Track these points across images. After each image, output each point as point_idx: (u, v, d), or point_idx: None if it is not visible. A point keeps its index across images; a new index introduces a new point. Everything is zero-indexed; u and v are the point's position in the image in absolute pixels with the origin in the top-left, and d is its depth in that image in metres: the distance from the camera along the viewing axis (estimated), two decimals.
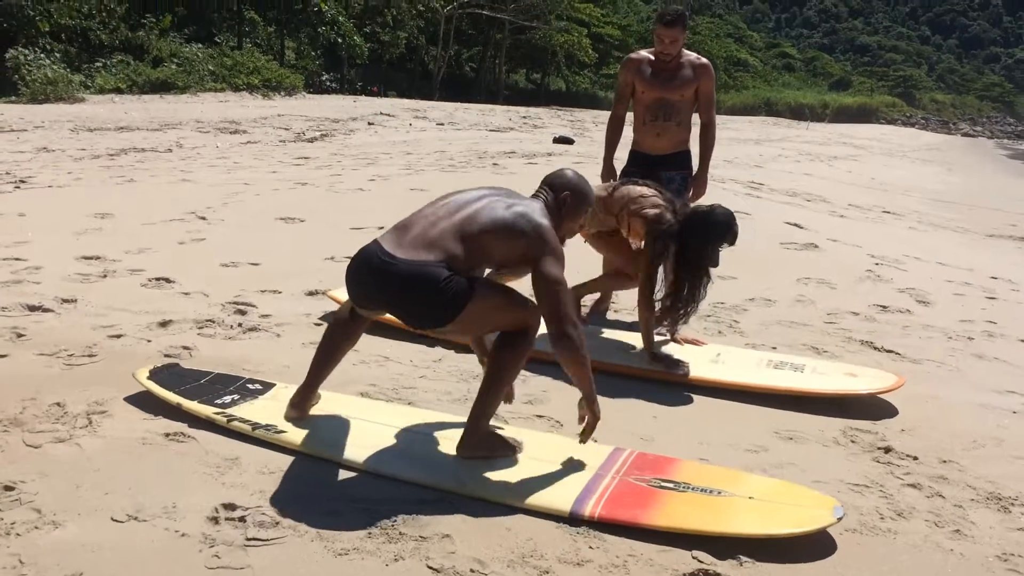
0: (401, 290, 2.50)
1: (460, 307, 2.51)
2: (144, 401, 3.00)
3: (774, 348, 4.08)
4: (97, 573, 2.07)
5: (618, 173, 4.55)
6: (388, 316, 3.95)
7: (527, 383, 3.52)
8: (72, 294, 4.28)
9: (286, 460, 2.69)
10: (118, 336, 3.74)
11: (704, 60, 4.43)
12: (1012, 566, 2.32)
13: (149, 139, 12.05)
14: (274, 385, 3.16)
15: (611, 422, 3.17)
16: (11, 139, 11.27)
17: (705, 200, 4.54)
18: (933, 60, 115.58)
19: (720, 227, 3.56)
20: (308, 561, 2.16)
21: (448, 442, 2.78)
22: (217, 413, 2.88)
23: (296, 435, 2.78)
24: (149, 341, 3.72)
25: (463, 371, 3.58)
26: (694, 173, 4.53)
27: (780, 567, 2.25)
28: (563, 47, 39.93)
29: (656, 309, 3.72)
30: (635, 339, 3.97)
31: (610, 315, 4.55)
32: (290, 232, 6.14)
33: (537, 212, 2.65)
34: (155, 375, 3.11)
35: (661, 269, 3.70)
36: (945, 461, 2.96)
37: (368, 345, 3.82)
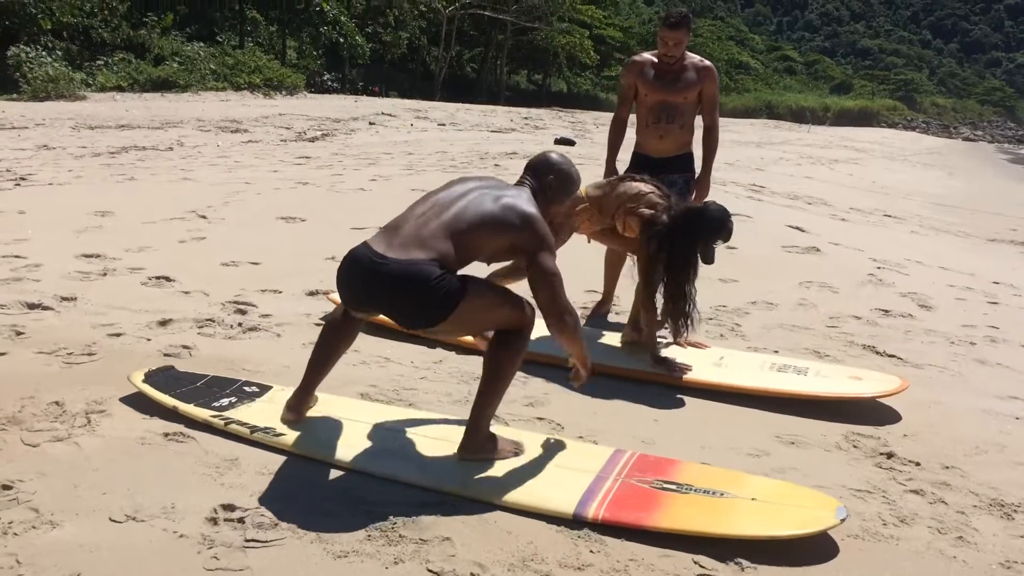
0: (392, 290, 2.48)
1: (452, 306, 2.49)
2: (143, 401, 2.99)
3: (776, 352, 4.07)
4: (95, 574, 2.05)
5: None
6: (383, 317, 3.99)
7: (527, 385, 3.51)
8: (72, 292, 4.27)
9: (285, 461, 2.67)
10: (118, 335, 3.73)
11: (708, 63, 4.42)
12: (1016, 574, 2.31)
13: (150, 137, 12.04)
14: (271, 388, 3.15)
15: (612, 424, 3.17)
16: (12, 136, 11.26)
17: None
18: (934, 64, 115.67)
19: (713, 223, 3.54)
20: (307, 563, 2.15)
21: (449, 444, 2.76)
22: (214, 416, 2.86)
23: (295, 437, 2.77)
24: (149, 340, 3.70)
25: (464, 372, 3.57)
26: (697, 176, 4.51)
27: (782, 572, 2.24)
28: (565, 49, 39.94)
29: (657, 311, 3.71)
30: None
31: (611, 317, 4.53)
32: (291, 232, 6.12)
33: (524, 201, 2.64)
34: (150, 378, 3.09)
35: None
36: (948, 467, 2.95)
37: (369, 346, 3.81)
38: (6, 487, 2.38)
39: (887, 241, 7.91)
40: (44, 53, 19.11)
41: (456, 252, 2.53)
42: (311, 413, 2.94)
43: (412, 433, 2.86)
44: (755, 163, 15.09)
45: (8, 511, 2.27)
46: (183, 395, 2.99)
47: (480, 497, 2.49)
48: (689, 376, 3.58)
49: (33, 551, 2.12)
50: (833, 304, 5.02)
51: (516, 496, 2.49)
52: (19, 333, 3.66)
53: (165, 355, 3.53)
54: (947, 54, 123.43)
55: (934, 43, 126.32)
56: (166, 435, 2.77)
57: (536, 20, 37.65)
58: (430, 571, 2.14)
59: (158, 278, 4.65)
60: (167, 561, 2.12)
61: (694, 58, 4.39)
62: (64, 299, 4.16)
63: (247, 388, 3.13)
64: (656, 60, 4.36)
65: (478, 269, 2.84)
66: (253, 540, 2.22)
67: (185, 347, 3.64)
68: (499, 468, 2.65)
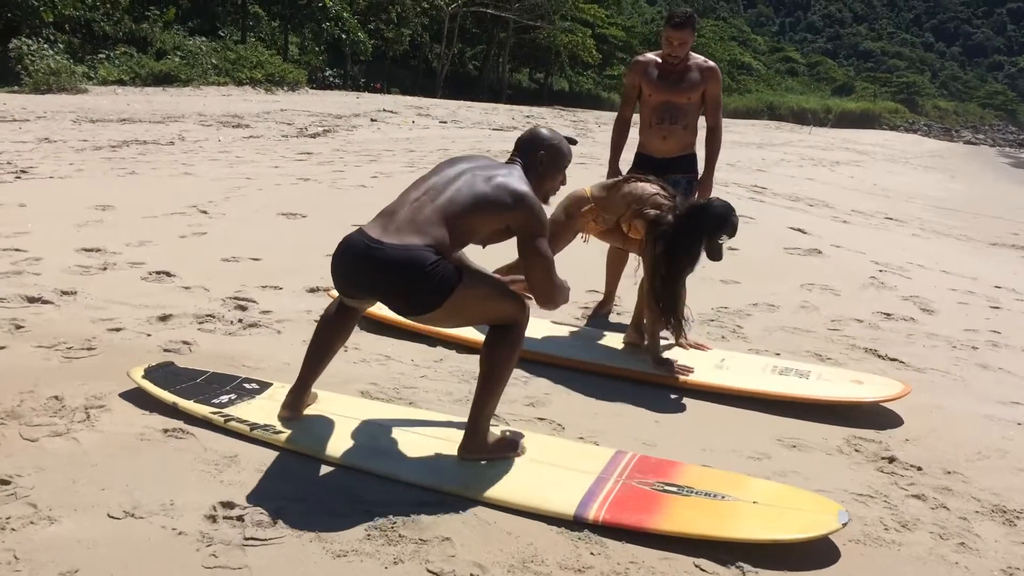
0: (387, 275, 2.47)
1: (447, 292, 2.47)
2: (142, 396, 2.97)
3: (777, 354, 4.06)
4: (93, 570, 2.04)
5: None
6: (382, 313, 3.98)
7: (528, 385, 3.50)
8: (72, 286, 4.25)
9: (285, 459, 2.66)
10: (117, 329, 3.71)
11: (711, 63, 4.40)
12: None
13: (151, 131, 12.01)
14: (271, 385, 3.13)
15: (613, 426, 3.16)
16: (13, 129, 11.23)
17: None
18: (936, 67, 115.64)
19: (717, 219, 3.53)
20: (306, 562, 2.14)
21: (449, 443, 2.75)
22: (214, 413, 2.85)
23: (295, 435, 2.75)
24: (149, 335, 3.69)
25: (465, 371, 3.55)
26: (700, 176, 4.49)
27: None
28: (567, 47, 39.91)
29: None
30: None
31: (613, 318, 4.52)
32: (292, 228, 6.11)
33: (517, 180, 2.62)
34: (150, 374, 3.07)
35: None
36: (949, 472, 2.94)
37: (369, 344, 3.80)
38: (4, 482, 2.37)
39: (889, 244, 7.90)
40: (46, 46, 19.05)
41: (451, 236, 2.51)
42: (311, 411, 2.92)
43: (412, 432, 2.84)
44: (756, 164, 15.08)
45: (6, 506, 2.26)
46: (183, 391, 2.98)
47: (480, 497, 2.48)
48: (691, 378, 3.57)
49: (31, 547, 2.10)
50: (835, 307, 5.01)
51: (516, 497, 2.48)
52: (19, 327, 3.64)
53: (165, 351, 3.51)
54: (949, 57, 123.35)
55: (936, 46, 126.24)
56: (165, 431, 2.76)
57: (538, 18, 37.61)
58: (430, 571, 2.13)
59: (158, 273, 4.63)
60: (165, 558, 2.11)
61: (698, 58, 4.37)
62: (64, 293, 4.14)
63: (247, 385, 3.12)
64: (660, 60, 4.34)
65: (478, 258, 2.83)
66: (252, 538, 2.21)
67: (185, 343, 3.62)
68: (499, 468, 2.64)
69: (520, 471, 2.63)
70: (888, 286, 5.64)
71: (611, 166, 4.62)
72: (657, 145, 4.39)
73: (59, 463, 2.51)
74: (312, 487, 2.50)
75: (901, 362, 4.08)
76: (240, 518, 2.29)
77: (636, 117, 4.53)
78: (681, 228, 3.54)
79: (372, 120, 17.09)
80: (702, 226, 3.53)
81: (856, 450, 3.08)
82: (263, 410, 2.90)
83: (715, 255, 3.57)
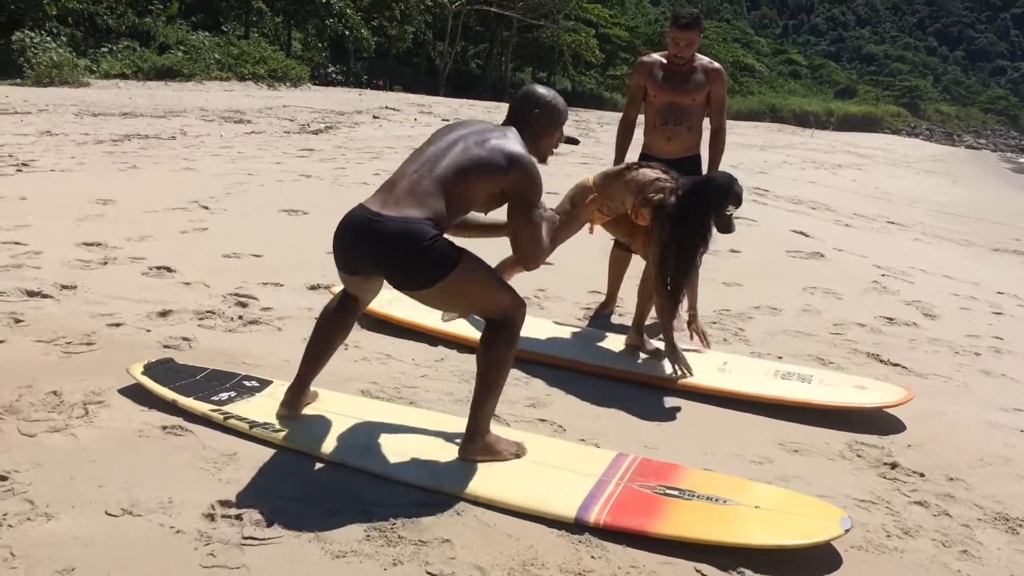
0: (387, 247, 2.46)
1: (447, 268, 2.46)
2: (141, 392, 2.95)
3: (780, 358, 4.04)
4: (89, 568, 2.03)
5: None
6: (383, 311, 3.97)
7: (529, 386, 3.48)
8: (72, 280, 4.24)
9: (284, 457, 2.65)
10: (117, 325, 3.70)
11: (716, 65, 4.38)
12: None
13: (153, 126, 12.00)
14: (271, 382, 3.11)
15: (614, 428, 3.15)
16: (15, 121, 11.21)
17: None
18: (939, 71, 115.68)
19: (720, 190, 3.51)
20: (305, 563, 2.12)
21: (450, 444, 2.74)
22: (214, 410, 2.83)
23: (295, 434, 2.74)
24: (148, 331, 3.67)
25: (465, 371, 3.54)
26: None
27: None
28: (570, 47, 39.92)
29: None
30: None
31: (614, 319, 4.50)
32: (293, 224, 6.09)
33: (512, 142, 2.59)
34: (150, 370, 3.06)
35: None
36: (952, 479, 2.92)
37: (370, 342, 3.79)
38: (2, 478, 2.35)
39: (891, 248, 7.88)
40: (49, 39, 19.06)
41: (450, 206, 2.51)
42: (311, 409, 2.91)
43: (413, 432, 2.83)
44: (759, 166, 15.06)
45: (3, 502, 2.25)
46: (182, 388, 2.96)
47: (481, 499, 2.46)
48: (693, 381, 3.55)
49: (27, 543, 2.09)
50: (837, 311, 4.99)
51: (517, 498, 2.46)
52: (18, 321, 3.63)
53: (165, 347, 3.50)
54: (952, 61, 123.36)
55: (939, 50, 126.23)
56: (164, 428, 2.75)
57: (542, 18, 37.60)
58: (429, 573, 2.11)
59: (159, 268, 4.62)
60: (163, 557, 2.09)
61: (703, 60, 4.35)
62: (64, 287, 4.13)
63: (247, 382, 3.10)
64: (665, 61, 4.32)
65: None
66: (251, 538, 2.19)
67: (185, 339, 3.61)
68: (500, 470, 2.62)
69: (521, 473, 2.62)
70: (890, 290, 5.62)
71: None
72: (661, 146, 4.38)
73: (57, 459, 2.49)
74: (311, 486, 2.49)
75: (903, 367, 4.06)
76: (239, 517, 2.27)
77: (641, 118, 4.50)
78: (687, 206, 3.53)
79: (374, 117, 17.08)
80: (708, 200, 3.51)
81: (858, 455, 3.06)
82: (263, 408, 2.89)
83: (725, 228, 3.54)
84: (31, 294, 3.99)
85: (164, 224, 5.69)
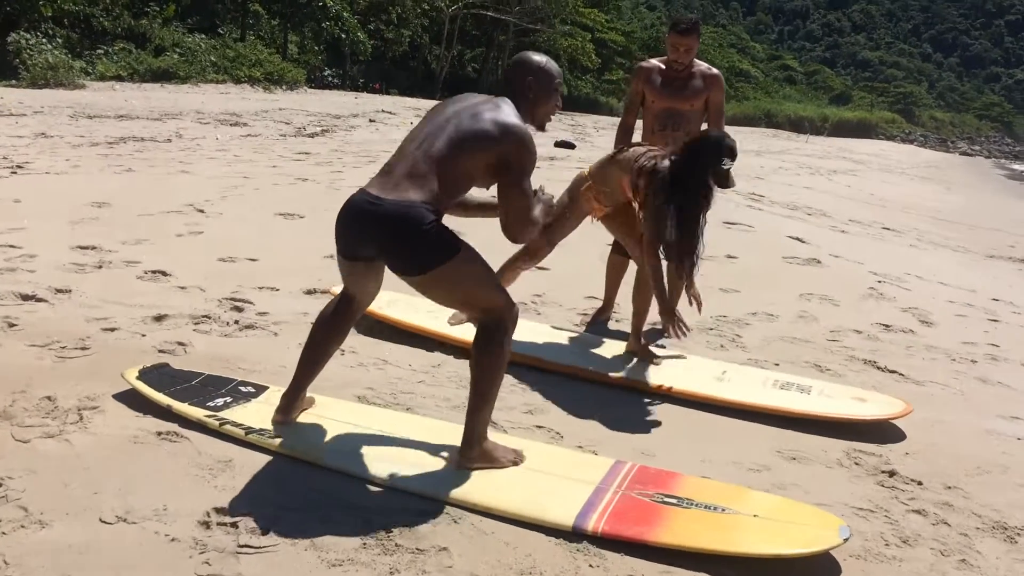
0: (387, 229, 2.45)
1: (445, 254, 2.46)
2: (136, 398, 2.94)
3: (777, 365, 4.03)
4: None
5: None
6: (383, 313, 3.95)
7: (526, 392, 3.47)
8: (66, 284, 4.21)
9: (280, 464, 2.63)
10: (112, 329, 3.68)
11: (715, 71, 4.38)
12: None
13: (149, 128, 11.96)
14: (267, 388, 3.10)
15: (612, 435, 3.13)
16: (10, 123, 11.17)
17: (707, 212, 4.49)
18: (934, 78, 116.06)
19: (713, 146, 3.50)
20: (301, 571, 2.11)
21: (446, 451, 2.72)
22: (209, 416, 2.81)
23: (291, 440, 2.72)
24: (143, 336, 3.65)
25: (463, 377, 3.51)
26: None
27: None
28: (566, 51, 39.88)
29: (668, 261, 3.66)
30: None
31: (611, 325, 4.49)
32: (290, 228, 6.07)
33: (507, 113, 2.56)
34: (145, 375, 3.04)
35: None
36: (950, 487, 2.91)
37: (366, 347, 3.77)
38: None
39: (887, 254, 7.89)
40: (44, 40, 18.99)
41: (449, 185, 2.50)
42: (307, 415, 2.89)
43: (410, 439, 2.81)
44: (754, 171, 15.07)
45: None
46: (177, 393, 2.94)
47: (478, 507, 2.45)
48: (691, 390, 3.53)
49: (21, 551, 2.07)
50: (834, 317, 4.99)
51: (514, 506, 2.45)
52: (12, 325, 3.60)
53: (160, 351, 3.48)
54: (947, 68, 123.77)
55: (934, 57, 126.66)
56: (159, 434, 2.73)
57: (538, 22, 37.60)
58: None
59: (154, 272, 4.59)
60: (158, 565, 2.08)
61: (702, 65, 4.35)
62: (58, 291, 4.10)
63: (243, 388, 3.08)
64: (664, 66, 4.32)
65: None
66: (246, 546, 2.17)
67: (180, 344, 3.59)
68: (497, 477, 2.61)
69: (518, 480, 2.60)
70: (887, 297, 5.62)
71: None
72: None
73: (51, 465, 2.47)
74: (307, 494, 2.47)
75: (900, 374, 4.06)
76: (234, 525, 2.26)
77: (639, 123, 4.50)
78: (682, 168, 3.51)
79: (371, 121, 17.06)
80: (703, 158, 3.48)
81: (856, 463, 3.05)
82: (258, 414, 2.87)
83: (724, 182, 3.51)
84: (25, 298, 3.96)
85: (159, 227, 5.67)
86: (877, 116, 62.53)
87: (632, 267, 4.20)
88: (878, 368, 4.12)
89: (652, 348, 3.93)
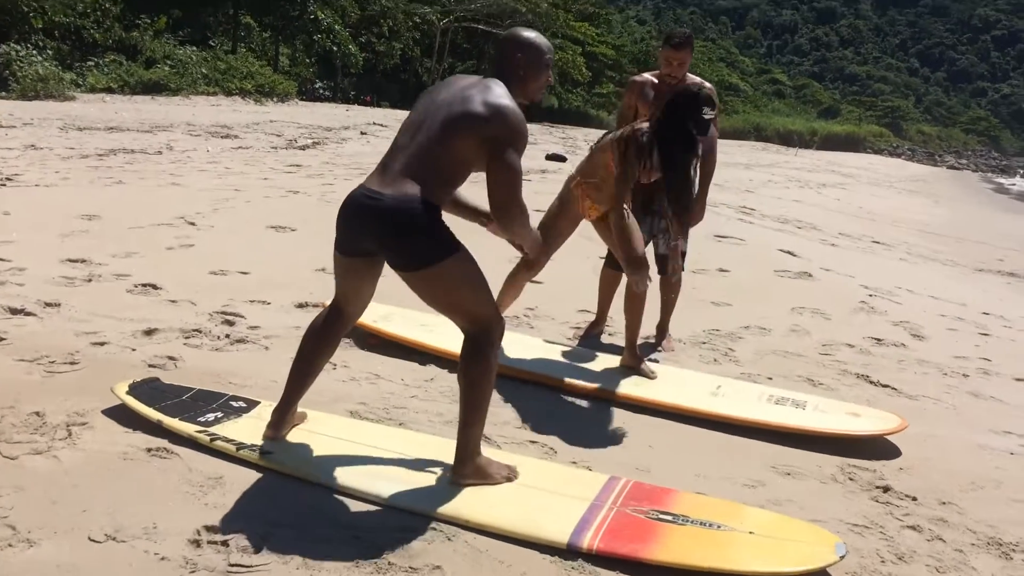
0: (385, 223, 2.44)
1: (443, 252, 2.46)
2: (126, 413, 2.90)
3: (770, 379, 4.03)
4: None
5: None
6: (374, 326, 3.93)
7: (519, 406, 3.44)
8: (56, 298, 4.17)
9: (271, 481, 2.60)
10: (102, 344, 3.64)
11: (708, 85, 4.39)
12: None
13: (139, 140, 11.92)
14: (258, 403, 3.07)
15: (606, 450, 3.12)
16: None
17: (699, 225, 4.50)
18: (921, 92, 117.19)
19: (691, 97, 3.57)
20: None
21: (440, 467, 2.70)
22: (200, 431, 2.78)
23: (282, 456, 2.69)
24: (133, 350, 3.62)
25: (455, 391, 3.45)
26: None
27: None
28: (557, 65, 40.03)
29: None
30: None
31: (604, 339, 4.48)
32: (281, 241, 6.05)
33: (497, 94, 2.54)
34: (135, 390, 3.00)
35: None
36: (944, 503, 2.91)
37: (358, 362, 3.75)
38: None
39: (877, 268, 7.92)
40: (35, 52, 18.96)
41: (446, 173, 2.51)
42: (299, 431, 2.86)
43: (403, 455, 2.79)
44: (744, 185, 15.15)
45: None
46: (168, 408, 2.91)
47: (472, 524, 2.42)
48: (686, 404, 3.52)
49: (8, 571, 2.04)
50: (826, 331, 4.99)
51: (509, 523, 2.43)
52: (0, 339, 3.56)
53: (150, 366, 3.45)
54: (934, 83, 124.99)
55: (921, 71, 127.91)
56: (149, 450, 2.69)
57: None
58: None
59: (144, 286, 4.56)
60: None
61: (695, 80, 4.36)
62: (48, 305, 4.07)
63: (234, 403, 3.05)
64: (657, 80, 4.33)
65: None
66: (237, 565, 2.14)
67: (171, 358, 3.55)
68: (491, 494, 2.58)
69: (512, 497, 2.58)
70: (878, 311, 5.64)
71: None
72: None
73: (39, 483, 2.44)
74: (299, 511, 2.44)
75: (893, 388, 4.06)
76: (225, 543, 2.23)
77: None
78: (664, 125, 3.59)
79: (362, 133, 17.06)
80: (682, 111, 3.56)
81: (850, 479, 3.05)
82: (250, 429, 2.84)
83: (704, 130, 3.60)
84: (14, 311, 3.92)
85: (150, 240, 5.63)
86: (865, 130, 62.96)
87: (625, 281, 4.19)
88: (871, 382, 4.13)
89: (646, 362, 3.91)
